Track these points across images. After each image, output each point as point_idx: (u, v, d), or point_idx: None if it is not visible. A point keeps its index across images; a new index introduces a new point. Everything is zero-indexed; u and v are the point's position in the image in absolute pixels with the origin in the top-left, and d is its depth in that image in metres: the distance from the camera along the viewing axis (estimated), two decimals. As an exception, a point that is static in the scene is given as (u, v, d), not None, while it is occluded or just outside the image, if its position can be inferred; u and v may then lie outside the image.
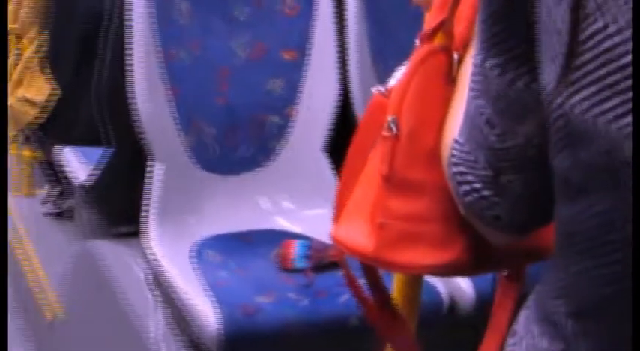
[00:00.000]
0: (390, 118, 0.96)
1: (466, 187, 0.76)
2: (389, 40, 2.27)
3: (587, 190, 0.64)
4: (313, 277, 1.98)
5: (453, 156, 0.77)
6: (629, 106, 0.58)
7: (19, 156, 3.53)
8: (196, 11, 2.18)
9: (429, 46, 0.94)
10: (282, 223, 2.25)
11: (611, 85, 0.59)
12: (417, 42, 0.97)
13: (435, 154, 0.86)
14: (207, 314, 1.78)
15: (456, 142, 0.78)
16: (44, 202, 3.33)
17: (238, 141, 2.25)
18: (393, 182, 0.95)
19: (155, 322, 2.02)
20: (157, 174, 2.09)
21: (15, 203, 3.46)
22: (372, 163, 1.00)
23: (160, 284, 1.98)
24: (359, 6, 2.25)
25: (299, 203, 2.28)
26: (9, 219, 3.46)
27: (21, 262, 3.22)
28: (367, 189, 1.00)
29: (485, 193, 0.75)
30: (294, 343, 1.90)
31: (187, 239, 2.09)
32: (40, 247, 3.15)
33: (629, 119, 0.58)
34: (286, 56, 2.26)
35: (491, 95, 0.71)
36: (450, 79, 0.92)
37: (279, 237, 2.14)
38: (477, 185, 0.75)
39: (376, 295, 1.09)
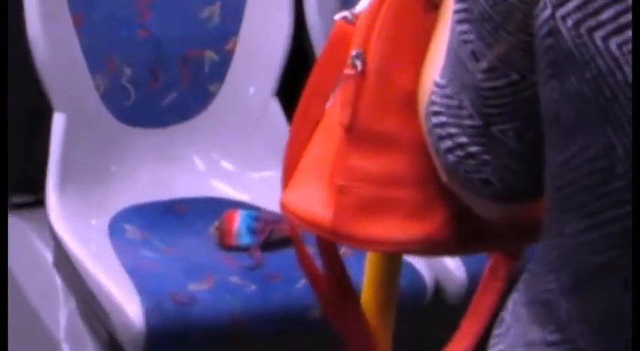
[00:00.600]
0: (354, 51, 0.93)
1: (448, 143, 0.74)
2: None
3: (579, 128, 0.63)
4: (262, 257, 1.99)
5: (432, 103, 0.75)
6: (630, 16, 0.58)
7: None
8: None
9: None
10: (222, 189, 2.27)
11: None
12: None
13: (411, 99, 0.84)
14: (128, 305, 1.79)
15: (437, 84, 0.76)
16: None
17: (164, 84, 2.27)
18: (356, 134, 0.92)
19: (63, 314, 2.05)
20: (58, 127, 2.10)
21: None
22: (331, 110, 0.97)
23: (69, 268, 1.99)
24: None
25: (242, 163, 2.31)
26: None
27: None
28: (325, 143, 0.97)
29: (472, 149, 0.73)
30: (238, 339, 1.93)
31: (101, 211, 2.12)
32: None
33: (629, 33, 0.58)
34: None
35: (475, 17, 0.69)
36: (431, 5, 0.89)
37: (217, 206, 2.16)
38: (462, 139, 0.73)
39: (332, 278, 1.07)
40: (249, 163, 2.31)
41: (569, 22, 0.60)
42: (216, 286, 1.91)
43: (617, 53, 0.59)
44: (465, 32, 0.71)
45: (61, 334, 2.06)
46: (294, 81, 2.08)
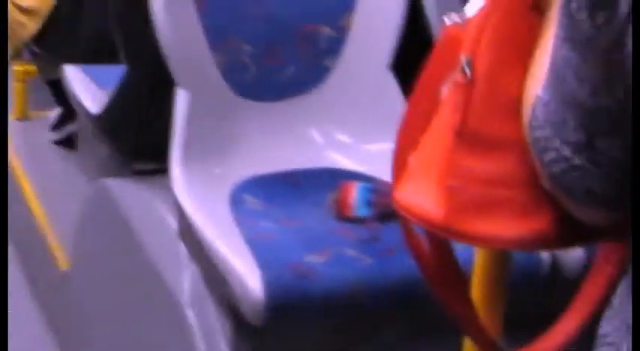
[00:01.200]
0: (464, 58, 0.94)
1: (552, 155, 0.74)
2: None
3: None
4: (379, 230, 1.98)
5: (535, 116, 0.76)
6: None
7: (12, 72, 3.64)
8: None
9: None
10: (338, 161, 2.26)
11: None
12: None
13: (517, 104, 0.85)
14: (249, 277, 1.81)
15: (539, 98, 0.76)
16: (52, 127, 3.44)
17: (281, 59, 2.27)
18: (466, 137, 0.94)
19: (185, 281, 2.07)
20: (182, 101, 2.12)
21: (10, 129, 3.61)
22: (443, 110, 0.98)
23: (192, 237, 2.01)
24: None
25: (359, 135, 2.29)
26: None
27: (18, 196, 3.33)
28: (436, 145, 0.98)
29: (577, 161, 0.73)
30: (355, 312, 1.92)
31: (222, 182, 2.12)
32: (40, 182, 3.28)
33: None
34: None
35: (578, 42, 0.68)
36: (539, 11, 0.89)
37: (334, 178, 2.16)
38: (566, 152, 0.73)
39: (440, 262, 1.09)
40: (365, 135, 2.29)
41: None
42: (332, 258, 1.91)
43: None
44: (568, 56, 0.70)
45: (185, 299, 2.03)
46: (407, 52, 2.22)
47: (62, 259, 2.86)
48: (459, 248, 1.12)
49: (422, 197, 0.99)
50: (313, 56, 2.30)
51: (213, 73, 2.20)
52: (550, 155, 0.75)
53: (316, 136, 2.30)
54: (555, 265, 1.98)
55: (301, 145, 2.28)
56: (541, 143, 0.75)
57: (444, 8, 2.15)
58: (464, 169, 0.94)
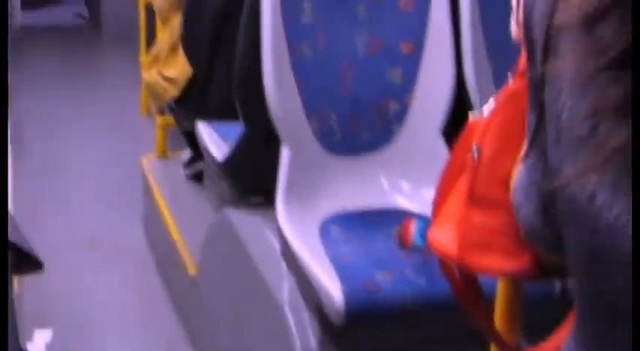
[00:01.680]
0: (474, 145, 1.05)
1: (522, 217, 0.81)
2: (502, 29, 2.21)
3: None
4: (430, 257, 1.92)
5: (514, 188, 0.84)
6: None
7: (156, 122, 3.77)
8: (318, 10, 2.22)
9: (519, 83, 0.99)
10: (401, 202, 2.26)
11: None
12: (509, 76, 1.04)
13: (510, 178, 0.93)
14: (332, 289, 1.83)
15: (516, 179, 0.85)
16: (185, 165, 3.52)
17: (360, 126, 2.28)
18: (474, 198, 1.05)
19: (285, 289, 2.09)
20: (285, 155, 2.15)
21: (150, 165, 3.70)
22: (462, 180, 1.09)
23: (289, 255, 2.03)
24: (473, 3, 2.22)
25: (416, 183, 2.26)
26: (142, 178, 3.71)
27: (157, 220, 3.41)
28: (456, 200, 1.10)
29: (538, 225, 0.80)
30: (411, 320, 1.93)
31: (314, 216, 2.14)
32: (175, 207, 3.31)
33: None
34: (404, 48, 2.27)
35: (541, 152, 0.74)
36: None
37: (398, 215, 2.15)
38: (531, 219, 0.80)
39: (466, 284, 1.18)
40: (420, 182, 2.24)
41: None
42: (395, 277, 1.92)
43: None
44: (533, 163, 0.76)
45: (285, 302, 2.07)
46: (456, 123, 2.08)
47: (191, 266, 2.90)
48: (484, 277, 1.23)
49: (444, 237, 1.10)
50: (383, 124, 2.30)
51: (308, 135, 2.23)
52: (521, 217, 0.83)
53: (385, 183, 2.29)
54: (564, 287, 1.89)
55: (373, 190, 2.27)
56: (517, 208, 0.83)
57: (481, 84, 2.19)
58: (472, 220, 1.05)
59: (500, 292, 1.41)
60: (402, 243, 2.04)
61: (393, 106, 2.30)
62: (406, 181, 2.30)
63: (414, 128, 2.30)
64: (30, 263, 1.82)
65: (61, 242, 3.66)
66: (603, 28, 0.62)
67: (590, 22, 0.63)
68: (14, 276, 1.97)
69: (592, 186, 0.63)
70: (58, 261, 3.32)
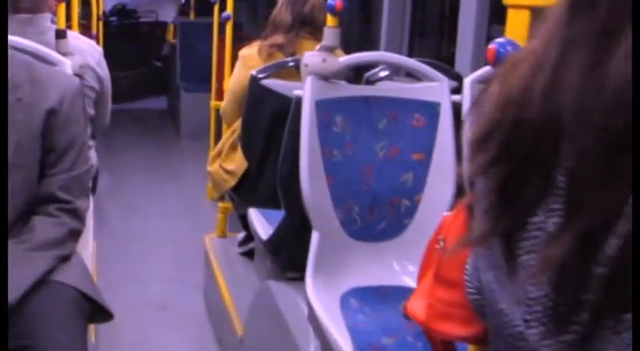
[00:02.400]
0: (440, 237, 1.13)
1: (468, 293, 0.90)
2: None
3: None
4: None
5: (466, 271, 0.94)
6: None
7: (218, 207, 3.87)
8: (348, 122, 2.28)
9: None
10: (408, 281, 2.26)
11: None
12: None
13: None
14: (345, 349, 1.85)
15: (466, 272, 0.93)
16: (239, 244, 3.61)
17: (377, 217, 2.32)
18: (438, 278, 1.11)
19: (313, 347, 2.11)
20: (315, 238, 2.18)
21: (211, 243, 3.80)
22: (432, 263, 1.16)
23: (315, 321, 2.04)
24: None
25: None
26: (204, 253, 3.78)
27: (214, 288, 3.48)
28: (428, 279, 1.16)
29: (479, 299, 0.89)
30: None
31: (336, 289, 2.17)
32: (230, 278, 3.39)
33: None
34: (415, 157, 2.33)
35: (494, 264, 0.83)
36: None
37: (405, 292, 2.09)
38: (473, 294, 0.90)
39: (443, 342, 1.23)
40: None
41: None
42: (398, 341, 1.92)
43: None
44: (477, 252, 0.85)
45: None
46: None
47: (239, 327, 2.95)
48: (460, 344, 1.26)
49: (417, 307, 1.18)
50: (396, 217, 2.33)
51: (335, 222, 2.25)
52: (467, 294, 0.92)
53: (395, 265, 2.32)
54: None
55: (386, 270, 2.30)
56: (466, 287, 0.92)
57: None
58: (436, 295, 1.10)
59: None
60: (406, 315, 2.02)
61: (405, 203, 2.34)
62: (412, 265, 2.30)
63: (421, 222, 2.32)
64: (103, 314, 1.91)
65: (136, 303, 3.79)
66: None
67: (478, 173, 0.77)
68: (90, 326, 2.06)
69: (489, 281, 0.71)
70: (131, 319, 3.48)
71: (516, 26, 1.16)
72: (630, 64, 0.62)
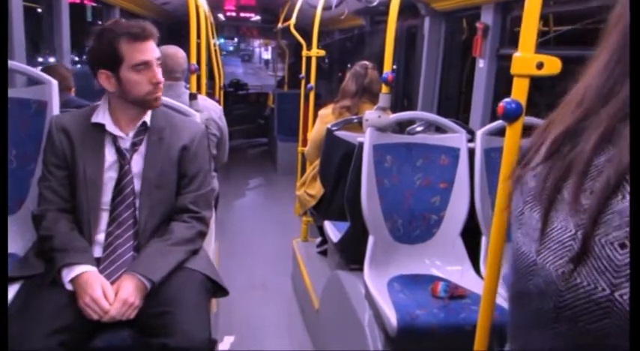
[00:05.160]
0: None
1: None
2: (496, 177, 2.16)
3: None
4: (448, 302, 2.00)
5: None
6: None
7: (302, 220, 3.85)
8: (394, 160, 2.28)
9: None
10: (434, 272, 2.25)
11: None
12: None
13: None
14: (391, 316, 1.85)
15: None
16: (317, 246, 3.59)
17: (414, 227, 2.31)
18: None
19: (366, 317, 2.07)
20: (370, 241, 2.18)
21: (297, 245, 3.76)
22: None
23: (370, 298, 2.02)
24: (482, 164, 2.24)
25: (444, 262, 2.28)
26: (292, 252, 3.73)
27: (298, 275, 3.45)
28: None
29: None
30: (432, 337, 1.87)
31: (384, 276, 2.16)
32: (310, 269, 3.37)
33: None
34: (441, 185, 2.31)
35: None
36: None
37: (432, 279, 2.17)
38: None
39: None
40: (446, 262, 2.27)
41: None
42: (427, 312, 1.90)
43: None
44: None
45: (366, 325, 2.03)
46: (467, 229, 2.25)
47: (316, 302, 2.89)
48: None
49: None
50: (427, 227, 2.31)
51: (385, 230, 2.25)
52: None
53: (426, 261, 2.29)
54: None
55: (419, 264, 2.27)
56: None
57: (484, 208, 2.15)
58: None
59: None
60: (433, 294, 2.06)
61: (433, 217, 2.32)
62: (438, 260, 2.30)
63: (444, 231, 2.31)
64: (222, 291, 1.88)
65: (245, 286, 3.80)
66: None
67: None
68: (212, 299, 1.99)
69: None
70: (242, 295, 3.54)
71: (519, 89, 1.15)
72: None
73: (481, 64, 2.80)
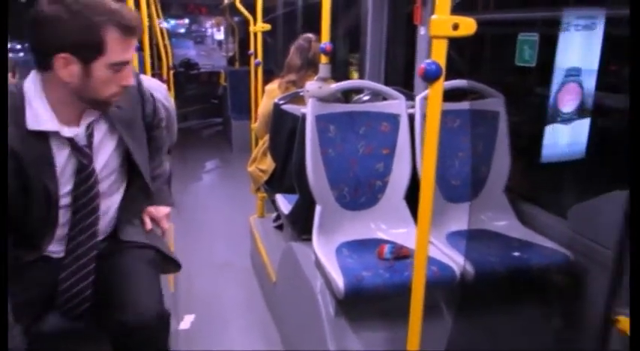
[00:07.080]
0: None
1: None
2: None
3: None
4: (393, 263, 2.03)
5: None
6: None
7: (258, 196, 3.83)
8: (339, 129, 2.29)
9: None
10: (380, 235, 2.28)
11: None
12: None
13: None
14: (338, 281, 1.87)
15: None
16: (273, 221, 3.58)
17: (360, 194, 2.33)
18: None
19: (318, 284, 2.11)
20: (318, 210, 2.21)
21: (254, 221, 3.76)
22: None
23: (320, 265, 2.04)
24: (422, 128, 2.23)
25: (390, 226, 2.31)
26: (249, 228, 3.72)
27: (256, 251, 3.47)
28: None
29: None
30: (380, 297, 1.91)
31: (332, 243, 2.19)
32: (266, 243, 3.37)
33: None
34: (384, 151, 2.33)
35: None
36: None
37: (378, 242, 2.20)
38: None
39: None
40: (392, 226, 2.27)
41: None
42: (373, 273, 1.92)
43: None
44: None
45: (318, 290, 2.06)
46: (409, 193, 2.26)
47: (273, 275, 2.87)
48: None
49: None
50: (372, 193, 2.33)
51: (331, 198, 2.27)
52: None
53: (372, 225, 2.32)
54: (463, 274, 1.91)
55: (366, 229, 2.30)
56: None
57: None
58: None
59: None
60: (379, 256, 2.09)
61: (378, 183, 2.34)
62: (384, 224, 2.32)
63: (389, 196, 2.33)
64: (173, 264, 1.84)
65: (203, 263, 3.80)
66: None
67: None
68: (169, 277, 1.98)
69: None
70: (200, 273, 3.54)
71: (438, 51, 1.15)
72: None
73: (422, 31, 2.81)
